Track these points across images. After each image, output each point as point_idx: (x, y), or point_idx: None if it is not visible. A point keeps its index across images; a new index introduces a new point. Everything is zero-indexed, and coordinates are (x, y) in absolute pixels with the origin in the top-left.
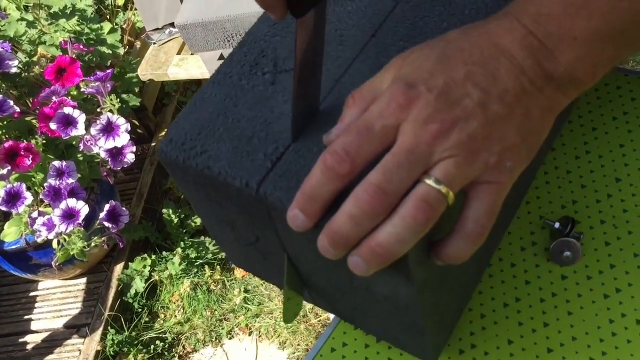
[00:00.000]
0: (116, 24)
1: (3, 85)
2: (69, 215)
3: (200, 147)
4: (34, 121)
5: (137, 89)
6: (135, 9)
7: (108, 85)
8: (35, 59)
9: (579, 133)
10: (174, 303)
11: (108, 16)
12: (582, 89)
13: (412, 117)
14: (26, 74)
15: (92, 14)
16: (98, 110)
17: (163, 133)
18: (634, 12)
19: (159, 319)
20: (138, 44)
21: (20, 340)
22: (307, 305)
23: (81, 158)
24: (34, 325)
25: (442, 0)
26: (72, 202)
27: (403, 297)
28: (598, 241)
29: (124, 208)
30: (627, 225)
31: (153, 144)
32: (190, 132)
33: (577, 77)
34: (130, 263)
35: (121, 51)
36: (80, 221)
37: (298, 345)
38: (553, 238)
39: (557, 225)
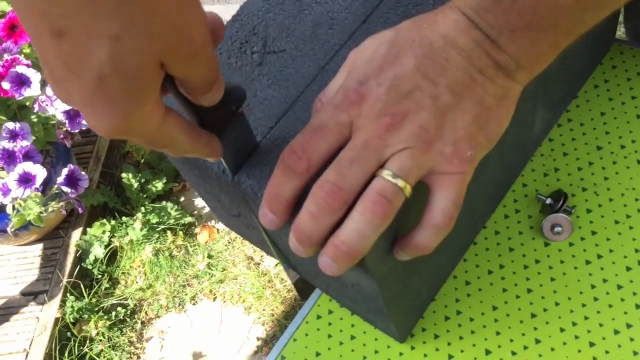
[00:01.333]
0: None
1: None
2: (25, 179)
3: None
4: None
5: None
6: None
7: None
8: None
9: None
10: (135, 269)
11: None
12: (532, 74)
13: (363, 113)
14: None
15: None
16: None
17: None
18: (561, 7)
19: (119, 286)
20: None
21: None
22: (272, 271)
23: (35, 120)
24: None
25: None
26: (28, 166)
27: (365, 288)
28: (580, 210)
29: (83, 172)
30: (609, 192)
31: None
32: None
33: (523, 64)
34: (88, 229)
35: None
36: (37, 186)
37: (263, 310)
38: (545, 213)
39: (548, 200)
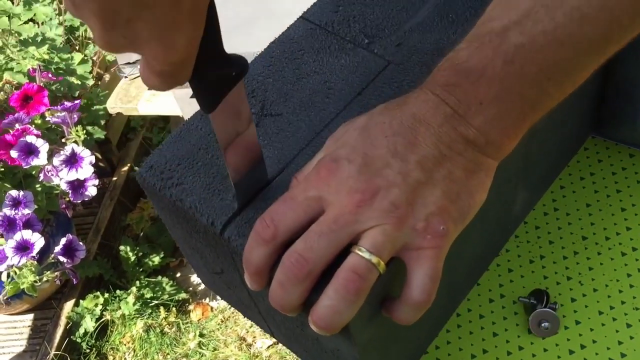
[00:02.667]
0: (85, 56)
1: None
2: (23, 247)
3: (177, 178)
4: None
5: (103, 122)
6: None
7: (75, 116)
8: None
9: (548, 191)
10: (125, 345)
11: (77, 47)
12: (503, 149)
13: (334, 189)
14: None
15: (61, 43)
16: (62, 140)
17: (125, 168)
18: (525, 75)
19: None
20: (107, 77)
21: None
22: (264, 353)
23: (39, 189)
24: None
25: (430, 70)
26: (27, 234)
27: (345, 354)
28: (564, 299)
29: (80, 243)
30: (593, 282)
31: (115, 178)
32: (170, 161)
33: (491, 139)
34: (81, 300)
35: (90, 82)
36: (34, 254)
37: None
38: (528, 313)
39: (532, 300)
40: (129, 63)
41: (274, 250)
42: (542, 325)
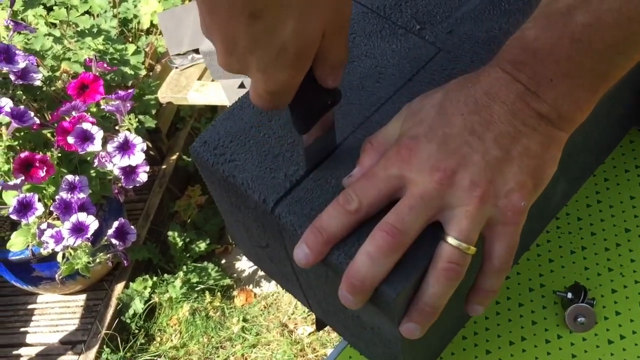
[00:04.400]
0: (138, 47)
1: (24, 97)
2: (78, 229)
3: (229, 154)
4: (49, 135)
5: (154, 111)
6: (158, 34)
7: (128, 104)
8: (57, 74)
9: (592, 182)
10: (172, 327)
11: (130, 39)
12: (575, 122)
13: (415, 168)
14: (47, 88)
15: (115, 35)
16: (116, 128)
17: (174, 157)
18: (594, 52)
19: (155, 342)
20: (158, 67)
21: (15, 352)
22: (305, 340)
23: (94, 174)
24: (29, 339)
25: (481, 58)
26: (82, 217)
27: (386, 333)
28: (605, 290)
29: (132, 227)
30: (635, 274)
31: (164, 166)
32: (223, 138)
33: (563, 112)
34: (131, 283)
35: (143, 73)
36: (88, 236)
37: None
38: (565, 308)
39: (569, 295)
40: (180, 54)
41: (355, 222)
42: (578, 320)
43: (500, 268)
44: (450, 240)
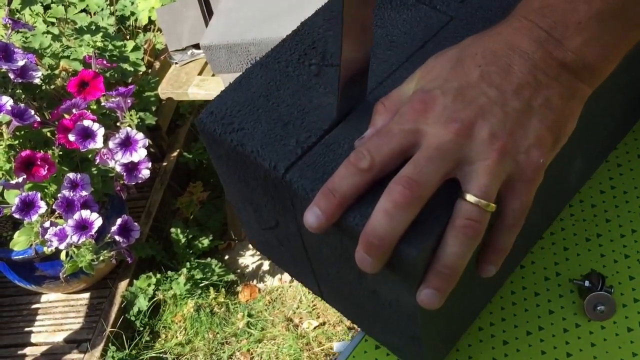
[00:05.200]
0: (137, 44)
1: (24, 95)
2: (82, 226)
3: (237, 123)
4: (49, 133)
5: (154, 109)
6: (156, 31)
7: (129, 101)
8: (57, 72)
9: (605, 169)
10: (176, 324)
11: (128, 36)
12: (600, 74)
13: (431, 120)
14: (47, 86)
15: (113, 32)
16: (117, 125)
17: (175, 154)
18: None
19: (160, 339)
20: (157, 64)
21: (20, 352)
22: (311, 334)
23: (95, 172)
24: (34, 338)
25: (493, 23)
26: (86, 214)
27: (406, 306)
28: (622, 277)
29: (135, 223)
30: None
31: (165, 163)
32: (231, 107)
33: (588, 62)
34: (135, 281)
35: (142, 69)
36: (93, 233)
37: None
38: (583, 297)
39: (586, 283)
40: (179, 50)
41: (368, 181)
42: (598, 308)
43: (514, 224)
44: (469, 197)
